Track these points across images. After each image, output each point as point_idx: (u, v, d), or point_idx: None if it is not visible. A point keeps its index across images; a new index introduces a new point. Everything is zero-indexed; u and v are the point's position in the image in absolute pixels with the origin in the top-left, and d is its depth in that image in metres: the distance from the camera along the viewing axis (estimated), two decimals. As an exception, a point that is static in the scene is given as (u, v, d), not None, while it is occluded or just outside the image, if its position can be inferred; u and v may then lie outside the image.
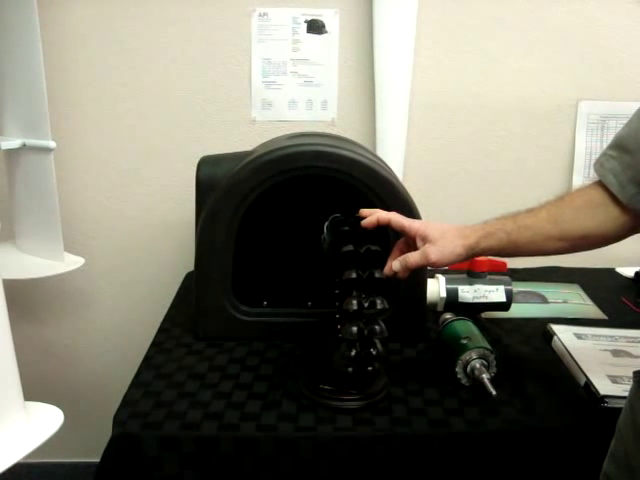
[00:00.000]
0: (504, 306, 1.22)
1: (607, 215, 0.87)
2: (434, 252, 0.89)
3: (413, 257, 0.90)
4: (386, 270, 0.93)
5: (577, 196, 0.91)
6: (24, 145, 1.30)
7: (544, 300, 1.39)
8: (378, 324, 0.93)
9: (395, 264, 0.92)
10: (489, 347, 1.01)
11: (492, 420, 0.93)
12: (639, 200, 0.84)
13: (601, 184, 0.88)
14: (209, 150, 1.25)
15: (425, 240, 0.90)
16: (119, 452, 0.89)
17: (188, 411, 0.94)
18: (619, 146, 0.87)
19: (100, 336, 1.70)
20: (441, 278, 1.22)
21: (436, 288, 1.21)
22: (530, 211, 0.91)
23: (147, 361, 1.09)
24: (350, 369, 0.94)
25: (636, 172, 0.84)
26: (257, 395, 0.98)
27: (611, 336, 1.17)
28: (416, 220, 0.95)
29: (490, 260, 1.21)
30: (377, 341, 0.94)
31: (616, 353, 1.10)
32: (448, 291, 1.21)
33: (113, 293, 1.67)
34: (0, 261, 1.35)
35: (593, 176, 0.92)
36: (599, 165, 0.89)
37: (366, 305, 0.92)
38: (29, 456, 0.84)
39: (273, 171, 1.08)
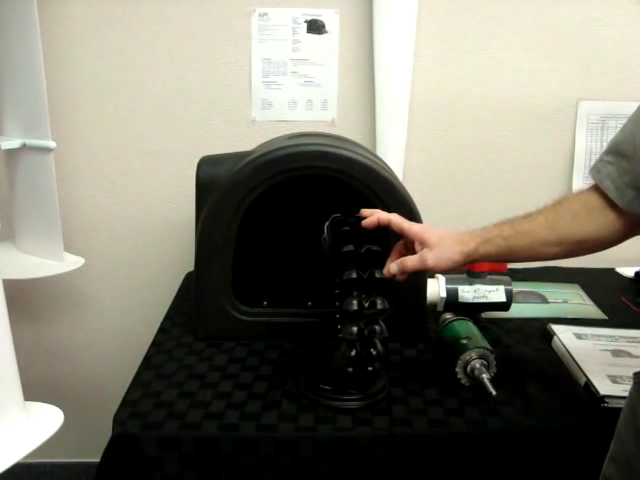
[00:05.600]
0: (504, 306, 1.22)
1: (605, 220, 0.87)
2: (431, 258, 0.89)
3: (411, 261, 0.91)
4: (384, 272, 0.93)
5: (574, 201, 0.90)
6: (24, 145, 1.30)
7: (544, 300, 1.39)
8: (378, 324, 0.93)
9: (393, 267, 0.92)
10: (489, 347, 1.01)
11: (492, 420, 0.93)
12: (637, 204, 0.84)
13: (598, 189, 0.88)
14: (209, 150, 1.25)
15: (424, 245, 0.90)
16: (119, 452, 0.89)
17: (188, 411, 0.94)
18: (615, 151, 0.86)
19: (100, 336, 1.70)
20: (441, 278, 1.22)
21: (436, 288, 1.21)
22: (528, 216, 0.91)
23: (147, 361, 1.09)
24: (350, 369, 0.93)
25: (633, 177, 0.84)
26: (257, 395, 0.98)
27: (611, 336, 1.17)
28: (416, 224, 0.95)
29: (490, 260, 1.21)
30: (377, 341, 0.94)
31: (616, 353, 1.11)
32: (448, 291, 1.21)
33: (113, 293, 1.67)
34: (0, 261, 1.35)
35: (593, 176, 0.92)
36: (596, 171, 0.88)
37: (366, 305, 0.91)
38: (29, 456, 0.84)
39: (273, 171, 1.08)
